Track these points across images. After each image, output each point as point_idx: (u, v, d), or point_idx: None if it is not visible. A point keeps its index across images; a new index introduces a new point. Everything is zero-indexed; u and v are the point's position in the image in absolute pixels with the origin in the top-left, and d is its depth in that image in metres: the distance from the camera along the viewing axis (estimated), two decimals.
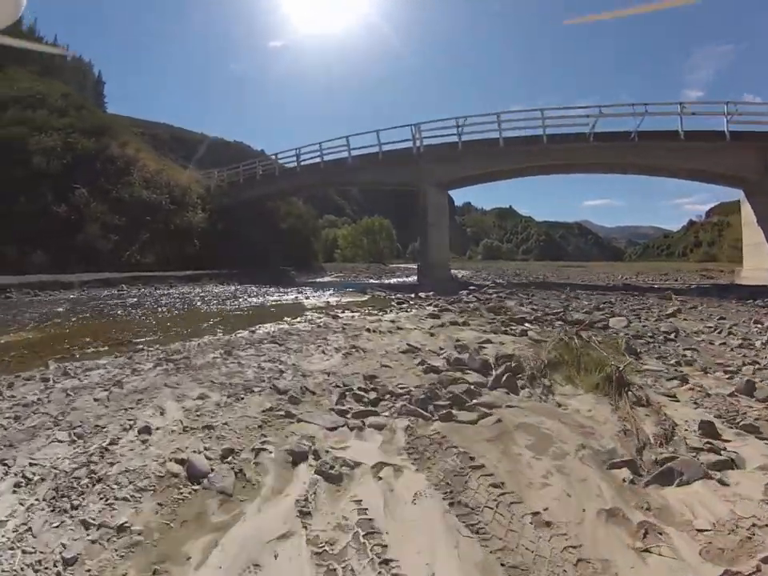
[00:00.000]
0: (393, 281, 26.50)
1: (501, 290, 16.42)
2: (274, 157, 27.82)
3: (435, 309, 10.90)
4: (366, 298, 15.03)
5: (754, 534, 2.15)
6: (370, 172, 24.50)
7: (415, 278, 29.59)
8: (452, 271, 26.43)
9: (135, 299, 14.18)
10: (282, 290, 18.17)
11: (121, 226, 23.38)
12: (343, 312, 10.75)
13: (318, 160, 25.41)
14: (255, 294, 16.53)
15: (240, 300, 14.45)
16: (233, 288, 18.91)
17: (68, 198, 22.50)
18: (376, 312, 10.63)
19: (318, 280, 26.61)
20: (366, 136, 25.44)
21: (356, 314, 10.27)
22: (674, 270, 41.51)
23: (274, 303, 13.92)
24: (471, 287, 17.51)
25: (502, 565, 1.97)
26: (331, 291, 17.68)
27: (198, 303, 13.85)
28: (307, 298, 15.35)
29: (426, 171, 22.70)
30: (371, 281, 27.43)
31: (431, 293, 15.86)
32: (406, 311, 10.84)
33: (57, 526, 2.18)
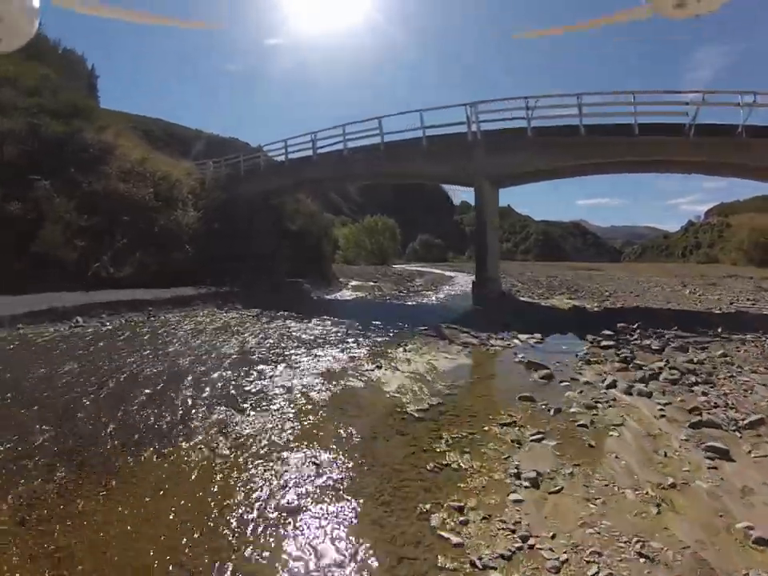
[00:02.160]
0: (433, 298, 20.85)
1: (632, 332, 10.99)
2: (282, 144, 21.98)
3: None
4: (464, 355, 9.37)
5: None
6: (409, 163, 18.88)
7: (449, 290, 24.19)
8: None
9: (77, 365, 7.99)
10: (305, 323, 12.72)
11: (90, 229, 17.71)
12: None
13: (340, 147, 19.70)
14: (274, 340, 10.73)
15: (258, 373, 8.09)
16: (236, 320, 13.17)
17: (26, 193, 16.97)
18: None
19: (338, 296, 20.98)
20: (396, 120, 19.77)
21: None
22: (718, 277, 36.61)
23: (322, 385, 7.20)
24: (543, 312, 11.89)
25: None
26: (391, 335, 11.31)
27: (187, 386, 7.02)
28: (372, 357, 9.41)
29: (483, 163, 17.33)
30: (399, 295, 21.89)
31: (538, 337, 10.52)
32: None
33: None
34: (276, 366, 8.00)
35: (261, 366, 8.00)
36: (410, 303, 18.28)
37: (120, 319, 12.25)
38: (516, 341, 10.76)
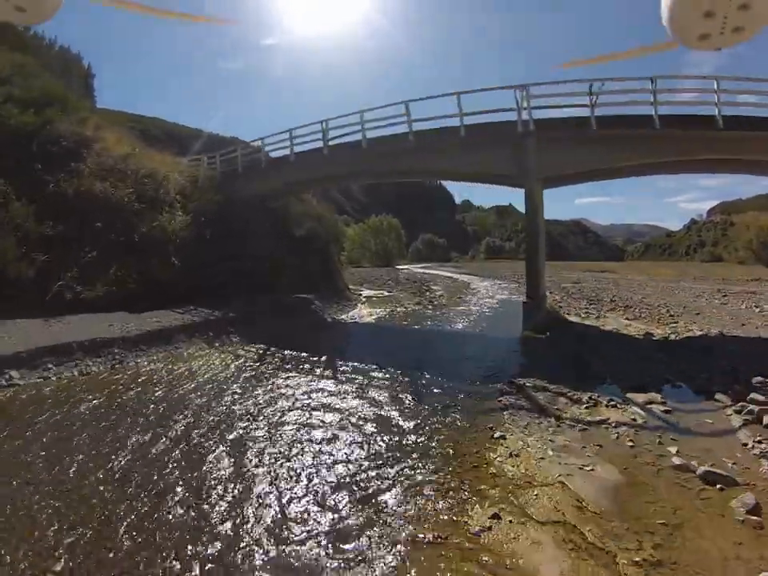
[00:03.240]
0: (468, 318, 17.13)
1: None
2: (287, 135, 18.32)
3: None
4: (592, 453, 5.54)
5: None
6: (442, 157, 15.26)
7: (477, 302, 20.62)
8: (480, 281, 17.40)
9: None
10: (325, 375, 8.99)
11: (54, 239, 14.19)
12: None
13: (357, 137, 16.05)
14: (288, 431, 6.99)
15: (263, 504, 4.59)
16: (230, 369, 9.52)
17: None
18: None
19: (355, 317, 17.19)
20: (422, 107, 16.09)
21: None
22: (743, 281, 33.41)
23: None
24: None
25: None
26: (458, 406, 7.17)
27: None
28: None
29: (536, 158, 13.77)
30: (425, 313, 18.28)
31: (657, 399, 7.26)
32: None
33: None
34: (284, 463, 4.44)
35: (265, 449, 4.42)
36: (447, 329, 14.45)
37: (73, 370, 8.69)
38: (635, 408, 7.22)
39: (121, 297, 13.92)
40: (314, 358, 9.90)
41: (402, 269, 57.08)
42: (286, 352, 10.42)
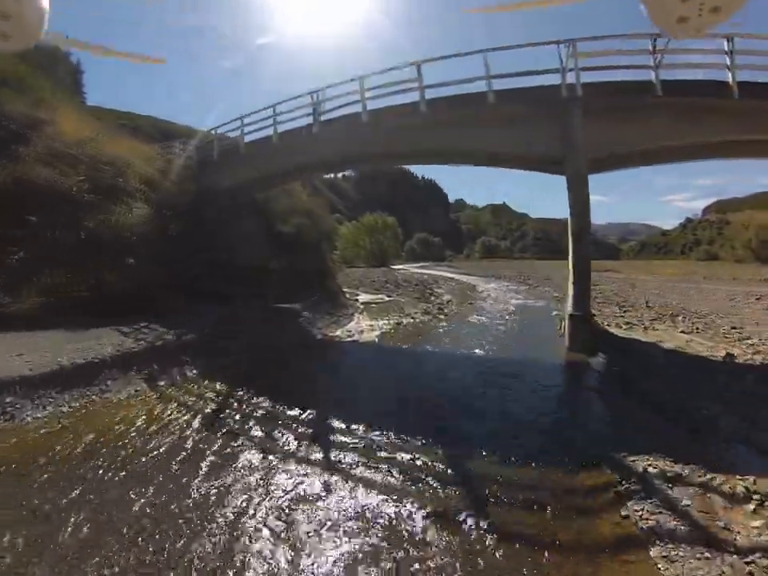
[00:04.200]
0: (493, 333, 13.84)
1: None
2: (269, 112, 15.09)
3: None
4: None
5: None
6: (464, 132, 12.07)
7: (492, 309, 17.51)
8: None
9: None
10: (322, 456, 5.61)
11: None
12: None
13: (356, 109, 12.85)
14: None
15: None
16: (169, 436, 6.24)
17: None
18: None
19: (354, 333, 13.62)
20: (439, 71, 12.88)
21: None
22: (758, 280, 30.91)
23: None
24: None
25: None
26: (551, 511, 4.16)
27: None
28: None
29: (582, 132, 10.64)
30: (439, 327, 15.14)
31: None
32: None
33: None
34: None
35: None
36: (471, 353, 10.86)
37: None
38: None
39: (54, 311, 10.74)
40: (295, 414, 6.65)
41: (399, 269, 53.98)
42: (255, 401, 7.18)
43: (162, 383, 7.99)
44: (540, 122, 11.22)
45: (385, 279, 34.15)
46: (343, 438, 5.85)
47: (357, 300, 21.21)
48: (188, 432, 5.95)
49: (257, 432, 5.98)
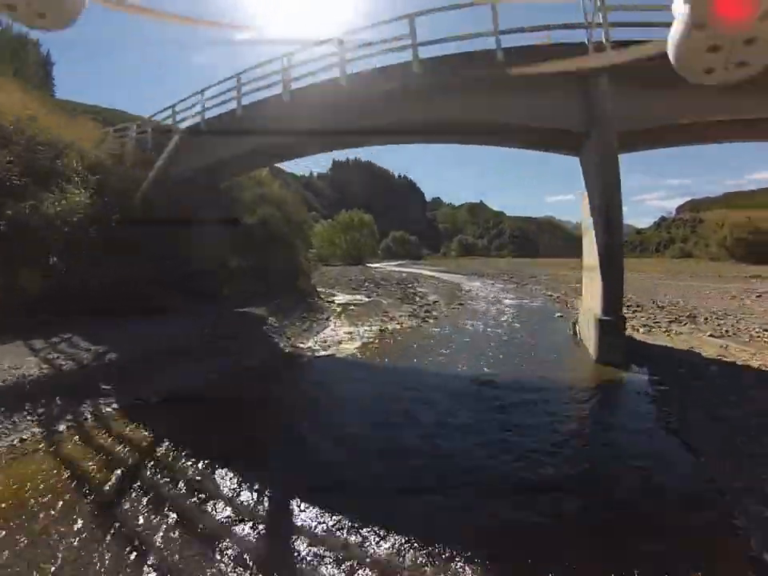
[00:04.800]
0: (497, 341, 11.50)
1: None
2: (233, 83, 12.79)
3: None
4: None
5: None
6: (467, 100, 9.86)
7: (486, 311, 15.49)
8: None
9: None
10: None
11: None
12: None
13: (335, 73, 10.59)
14: None
15: None
16: (75, 502, 3.95)
17: None
18: None
19: (328, 344, 11.01)
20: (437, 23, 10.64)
21: None
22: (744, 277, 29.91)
23: None
24: None
25: None
26: None
27: None
28: None
29: (611, 102, 8.59)
30: (432, 334, 13.01)
31: None
32: None
33: None
34: None
35: None
36: (477, 371, 8.44)
37: None
38: None
39: None
40: (248, 485, 4.38)
41: (376, 267, 51.91)
42: (176, 466, 4.84)
43: (64, 427, 5.63)
44: (559, 88, 9.16)
45: (363, 278, 31.96)
46: (315, 528, 3.64)
47: (333, 301, 18.95)
48: (60, 528, 3.66)
49: (163, 537, 3.67)
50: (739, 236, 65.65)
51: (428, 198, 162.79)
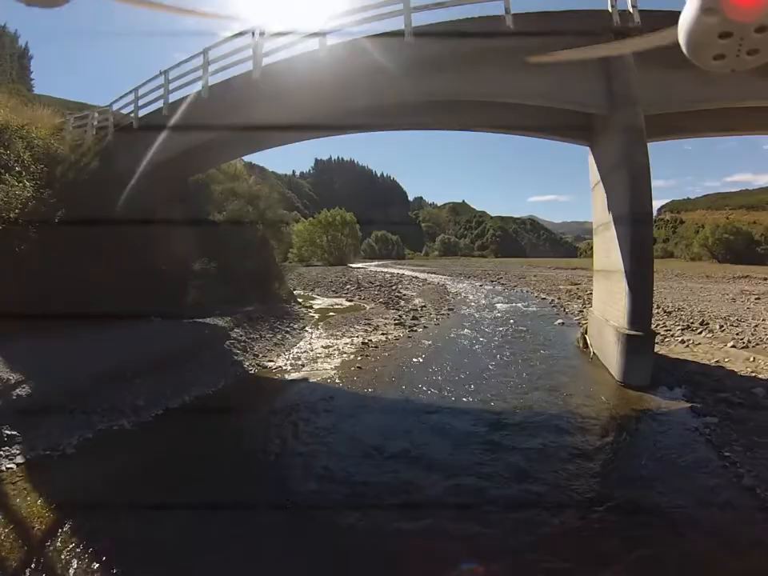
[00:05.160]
0: (500, 359, 9.73)
1: None
2: (201, 59, 11.13)
3: None
4: None
5: None
6: (471, 76, 8.27)
7: (480, 318, 14.05)
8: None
9: None
10: None
11: None
12: None
13: (314, 46, 9.01)
14: None
15: None
16: None
17: None
18: None
19: (302, 360, 9.33)
20: None
21: None
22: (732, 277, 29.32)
23: None
24: None
25: None
26: None
27: None
28: None
29: (637, 78, 7.14)
30: (421, 347, 11.52)
31: None
32: None
33: None
34: None
35: None
36: (485, 411, 6.61)
37: None
38: None
39: None
40: None
41: (358, 267, 50.27)
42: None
43: None
44: (578, 63, 7.70)
45: (344, 279, 30.32)
46: None
47: (312, 306, 17.33)
48: None
49: None
50: (720, 236, 66.07)
51: (411, 197, 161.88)
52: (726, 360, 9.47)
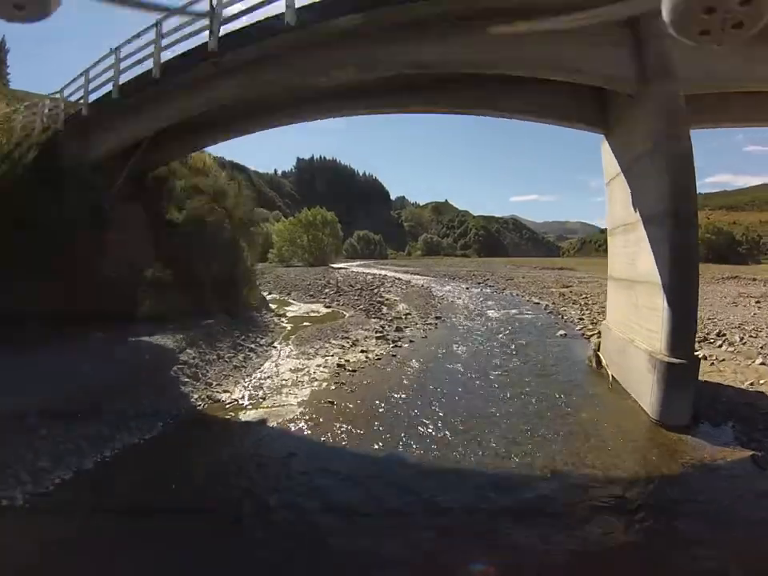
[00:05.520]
0: (519, 404, 8.06)
1: None
2: (153, 32, 9.39)
3: None
4: None
5: None
6: (475, 40, 6.63)
7: (469, 328, 12.55)
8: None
9: None
10: None
11: None
12: None
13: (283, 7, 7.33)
14: None
15: None
16: None
17: None
18: None
19: (264, 389, 7.75)
20: None
21: None
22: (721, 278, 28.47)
23: None
24: None
25: None
26: None
27: None
28: None
29: (677, 48, 5.52)
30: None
31: None
32: None
33: None
34: None
35: None
36: (504, 473, 4.93)
37: None
38: None
39: None
40: None
41: (339, 268, 48.55)
42: None
43: None
44: (603, 28, 6.18)
45: (324, 282, 28.61)
46: None
47: (285, 314, 15.63)
48: None
49: None
50: (702, 237, 65.85)
51: (393, 196, 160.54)
52: (762, 382, 8.10)
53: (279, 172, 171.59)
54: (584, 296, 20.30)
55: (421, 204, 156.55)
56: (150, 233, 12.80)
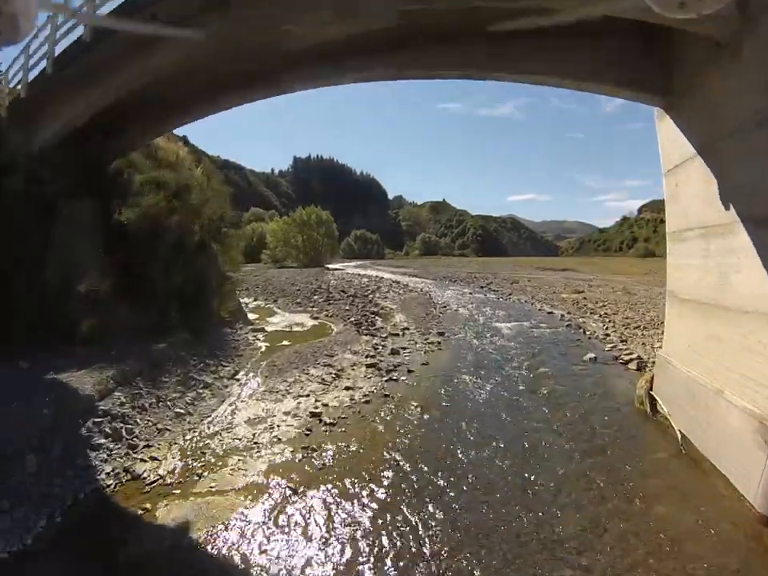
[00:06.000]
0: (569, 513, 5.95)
1: None
2: None
3: None
4: None
5: None
6: None
7: (479, 350, 10.54)
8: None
9: None
10: None
11: None
12: None
13: None
14: None
15: None
16: None
17: None
18: None
19: (200, 466, 5.49)
20: None
21: None
22: None
23: None
24: None
25: None
26: None
27: None
28: None
29: None
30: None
31: None
32: None
33: None
34: None
35: None
36: None
37: None
38: None
39: None
40: None
41: (335, 269, 46.43)
42: None
43: None
44: None
45: (316, 285, 26.48)
46: None
47: (263, 329, 13.50)
48: None
49: None
50: None
51: (390, 195, 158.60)
52: None
53: (276, 171, 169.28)
54: (600, 304, 18.23)
55: (418, 203, 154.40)
56: (99, 236, 10.79)
